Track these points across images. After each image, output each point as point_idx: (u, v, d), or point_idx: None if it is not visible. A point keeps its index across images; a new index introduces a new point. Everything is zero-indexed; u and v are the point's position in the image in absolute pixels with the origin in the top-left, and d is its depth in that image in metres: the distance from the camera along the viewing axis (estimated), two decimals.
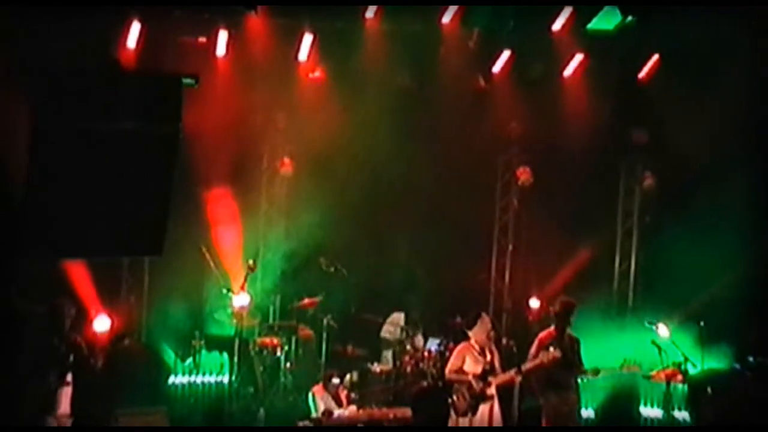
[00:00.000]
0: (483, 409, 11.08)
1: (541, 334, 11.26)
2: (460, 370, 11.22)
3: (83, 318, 11.83)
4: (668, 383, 12.02)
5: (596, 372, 11.30)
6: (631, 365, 11.32)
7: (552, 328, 11.24)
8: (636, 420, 13.33)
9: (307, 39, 13.14)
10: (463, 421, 11.06)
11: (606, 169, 15.05)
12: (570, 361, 11.13)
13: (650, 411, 13.13)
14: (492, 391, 11.13)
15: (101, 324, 12.45)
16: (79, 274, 12.05)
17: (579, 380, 11.31)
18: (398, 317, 13.99)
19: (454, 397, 11.13)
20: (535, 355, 11.06)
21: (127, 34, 12.29)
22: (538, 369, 11.06)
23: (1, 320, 10.43)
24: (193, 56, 12.68)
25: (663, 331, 12.12)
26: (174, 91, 8.78)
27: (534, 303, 14.60)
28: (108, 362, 12.25)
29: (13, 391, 10.46)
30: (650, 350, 11.96)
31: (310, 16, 12.82)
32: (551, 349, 11.03)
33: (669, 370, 12.15)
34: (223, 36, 12.98)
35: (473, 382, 11.09)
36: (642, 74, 14.07)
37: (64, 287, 11.68)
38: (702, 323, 12.63)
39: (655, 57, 13.91)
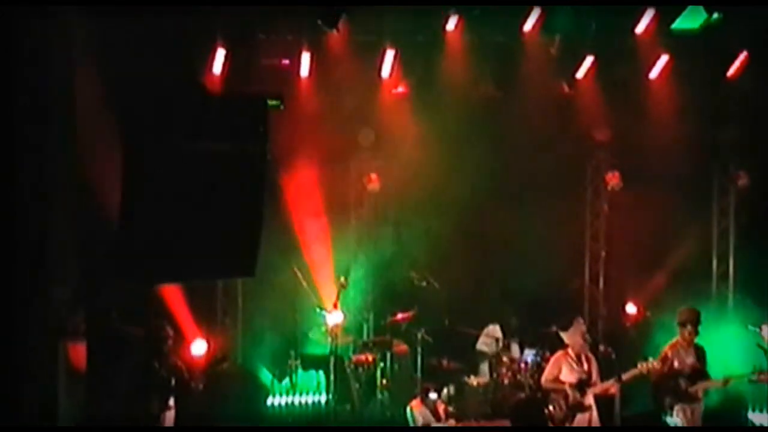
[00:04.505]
0: (580, 419, 10.98)
1: (667, 346, 11.16)
2: (556, 380, 11.12)
3: (180, 341, 12.02)
4: None
5: (726, 382, 11.12)
6: (763, 372, 11.12)
7: (677, 338, 11.15)
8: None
9: (389, 55, 13.18)
10: None
11: (698, 170, 14.77)
12: (698, 372, 11.01)
13: (760, 416, 12.80)
14: (590, 401, 11.01)
15: (199, 348, 12.63)
16: (174, 297, 12.24)
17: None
18: (494, 329, 13.88)
19: (551, 407, 11.02)
20: (660, 368, 10.93)
21: (212, 60, 12.50)
22: (639, 378, 10.95)
23: (101, 344, 10.64)
24: (278, 78, 12.84)
25: (767, 333, 11.84)
26: (260, 112, 8.88)
27: (630, 308, 14.39)
28: (207, 385, 12.40)
29: (117, 414, 10.67)
30: (756, 353, 11.70)
31: (391, 31, 12.85)
32: (650, 359, 10.92)
33: None
34: (306, 57, 13.09)
35: (569, 392, 10.97)
36: (731, 72, 13.79)
37: (161, 311, 11.87)
38: None
39: (744, 54, 13.63)
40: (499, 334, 13.77)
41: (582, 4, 12.48)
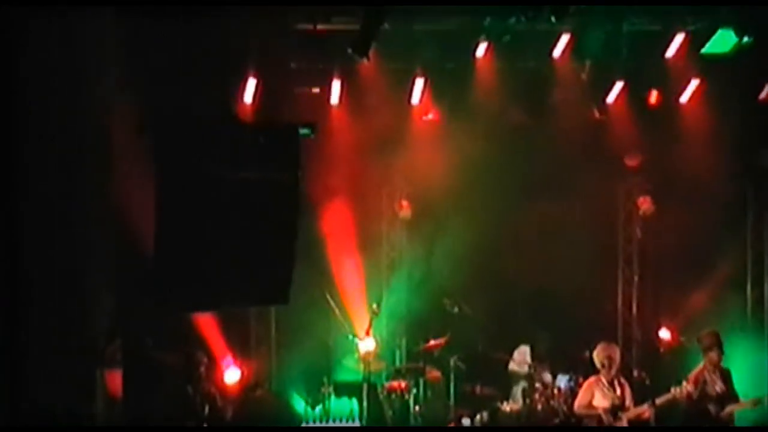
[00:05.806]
0: None
1: (693, 373, 11.10)
2: (589, 405, 11.10)
3: (214, 369, 12.07)
4: None
5: (756, 403, 11.04)
6: None
7: (705, 363, 11.09)
8: None
9: (419, 82, 13.25)
10: None
11: (731, 194, 14.66)
12: (725, 395, 10.94)
13: None
14: (623, 426, 10.93)
15: (232, 375, 12.65)
16: (209, 325, 12.30)
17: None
18: (525, 350, 13.82)
19: None
20: (693, 392, 10.88)
21: (243, 89, 12.61)
22: (673, 403, 10.89)
23: (136, 371, 10.71)
24: (308, 107, 12.93)
25: None
26: (292, 140, 8.99)
27: (664, 333, 14.28)
28: (240, 413, 12.42)
29: None
30: None
31: (421, 58, 12.90)
32: (683, 384, 10.86)
33: None
34: (336, 85, 13.18)
35: (603, 417, 10.92)
36: (763, 95, 13.73)
37: (196, 339, 11.94)
38: None
39: None
40: (528, 357, 13.72)
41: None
